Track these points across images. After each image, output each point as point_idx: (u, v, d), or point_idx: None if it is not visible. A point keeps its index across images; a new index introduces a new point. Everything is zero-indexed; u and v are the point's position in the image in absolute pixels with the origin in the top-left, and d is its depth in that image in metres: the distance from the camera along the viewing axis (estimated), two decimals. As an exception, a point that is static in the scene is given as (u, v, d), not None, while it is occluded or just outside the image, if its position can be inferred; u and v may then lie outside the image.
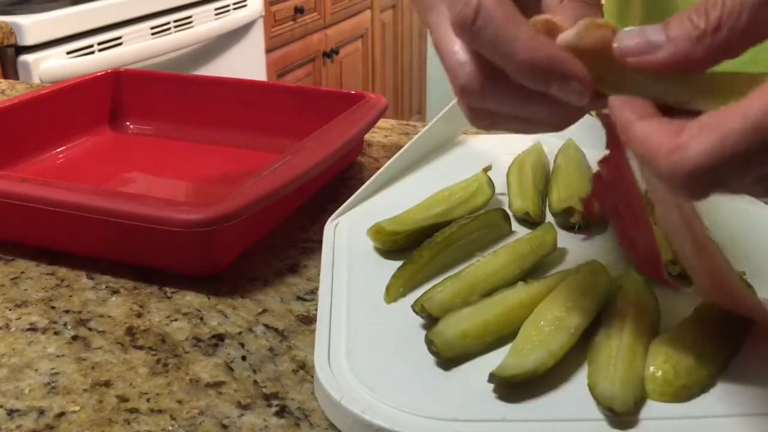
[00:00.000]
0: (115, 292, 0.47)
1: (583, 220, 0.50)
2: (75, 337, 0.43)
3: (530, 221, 0.52)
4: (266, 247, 0.52)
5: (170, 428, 0.36)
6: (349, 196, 0.54)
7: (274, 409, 0.37)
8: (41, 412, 0.37)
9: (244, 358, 0.41)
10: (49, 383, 0.39)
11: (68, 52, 1.49)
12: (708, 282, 0.39)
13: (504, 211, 0.51)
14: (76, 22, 1.50)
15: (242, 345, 0.42)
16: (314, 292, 0.47)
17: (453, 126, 0.67)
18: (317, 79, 2.53)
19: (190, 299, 0.46)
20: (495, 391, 0.36)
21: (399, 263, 0.45)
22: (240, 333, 0.43)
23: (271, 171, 0.50)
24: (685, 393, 0.35)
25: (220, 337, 0.43)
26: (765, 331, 0.39)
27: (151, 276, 0.48)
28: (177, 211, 0.45)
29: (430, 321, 0.40)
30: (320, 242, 0.50)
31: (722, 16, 0.28)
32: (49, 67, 1.44)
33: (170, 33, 1.73)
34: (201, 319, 0.44)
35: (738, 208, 0.53)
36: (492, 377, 0.35)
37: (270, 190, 0.48)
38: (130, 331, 0.43)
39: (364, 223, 0.50)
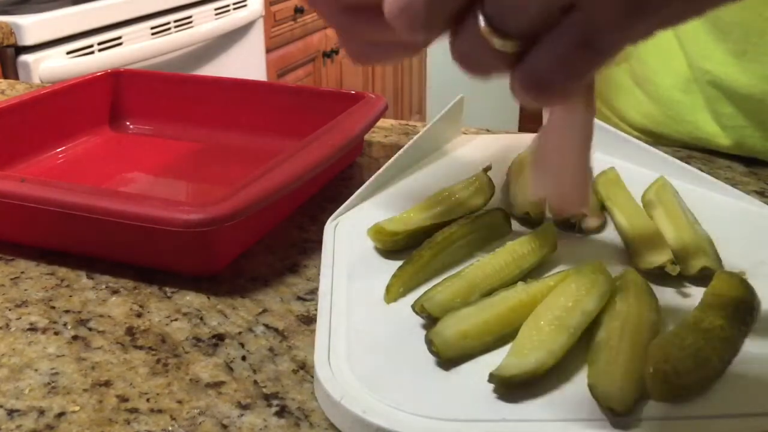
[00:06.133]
0: (115, 292, 0.47)
1: (583, 220, 0.50)
2: (75, 337, 0.43)
3: (530, 221, 0.52)
4: (266, 247, 0.52)
5: (170, 428, 0.36)
6: (349, 196, 0.54)
7: (274, 409, 0.37)
8: (41, 412, 0.37)
9: (244, 358, 0.41)
10: (49, 383, 0.39)
11: (68, 52, 1.49)
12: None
13: (504, 211, 0.51)
14: (76, 22, 1.50)
15: (242, 345, 0.42)
16: (314, 292, 0.47)
17: (453, 126, 0.67)
18: (317, 79, 2.53)
19: (190, 299, 0.46)
20: (495, 391, 0.36)
21: (399, 263, 0.45)
22: (240, 333, 0.43)
23: (271, 171, 0.50)
24: (685, 393, 0.35)
25: (220, 337, 0.43)
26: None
27: (151, 276, 0.48)
28: (177, 211, 0.45)
29: (430, 321, 0.40)
30: (320, 242, 0.50)
31: None
32: (49, 67, 1.44)
33: (170, 33, 1.73)
34: (201, 319, 0.44)
35: (738, 208, 0.53)
36: (492, 377, 0.35)
37: (270, 190, 0.48)
38: (130, 331, 0.43)
39: (364, 223, 0.50)
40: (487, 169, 0.55)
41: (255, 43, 2.08)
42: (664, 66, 0.70)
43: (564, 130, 0.35)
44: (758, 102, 0.64)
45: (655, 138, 0.73)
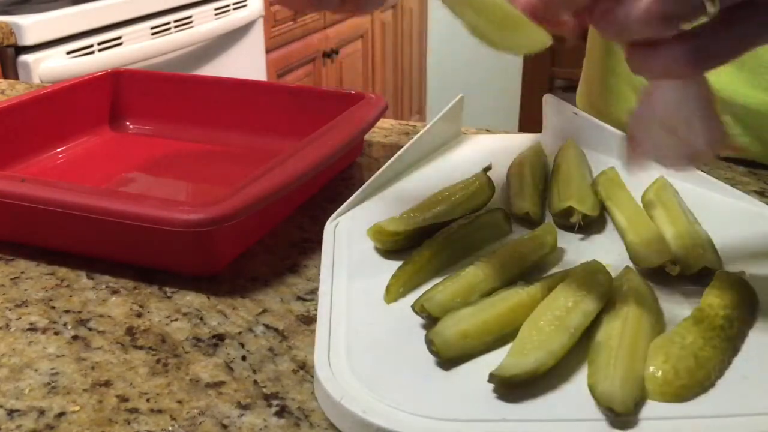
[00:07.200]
0: (115, 292, 0.47)
1: (583, 220, 0.50)
2: (75, 337, 0.43)
3: (530, 221, 0.52)
4: (266, 247, 0.52)
5: (170, 428, 0.36)
6: (349, 196, 0.54)
7: (274, 409, 0.37)
8: (41, 412, 0.37)
9: (244, 358, 0.41)
10: (49, 383, 0.39)
11: (68, 52, 1.49)
12: None
13: (504, 211, 0.51)
14: (76, 22, 1.50)
15: (242, 345, 0.42)
16: (314, 292, 0.47)
17: (453, 126, 0.67)
18: (317, 79, 2.53)
19: (190, 299, 0.46)
20: (495, 391, 0.36)
21: (399, 263, 0.45)
22: (240, 333, 0.43)
23: (271, 171, 0.50)
24: (685, 393, 0.35)
25: (220, 337, 0.43)
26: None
27: (151, 276, 0.48)
28: (177, 211, 0.45)
29: (430, 321, 0.40)
30: (320, 242, 0.50)
31: None
32: (49, 67, 1.44)
33: (170, 33, 1.73)
34: (201, 319, 0.44)
35: (738, 208, 0.53)
36: (492, 377, 0.35)
37: (270, 190, 0.48)
38: (130, 331, 0.43)
39: (364, 223, 0.50)
40: (487, 169, 0.55)
41: (255, 43, 2.08)
42: None
43: (682, 94, 0.38)
44: (756, 112, 0.64)
45: None
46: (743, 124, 0.65)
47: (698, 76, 0.37)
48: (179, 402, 0.38)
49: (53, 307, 0.46)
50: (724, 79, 0.64)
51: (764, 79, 0.62)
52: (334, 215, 0.52)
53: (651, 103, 0.38)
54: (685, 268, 0.44)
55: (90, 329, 0.43)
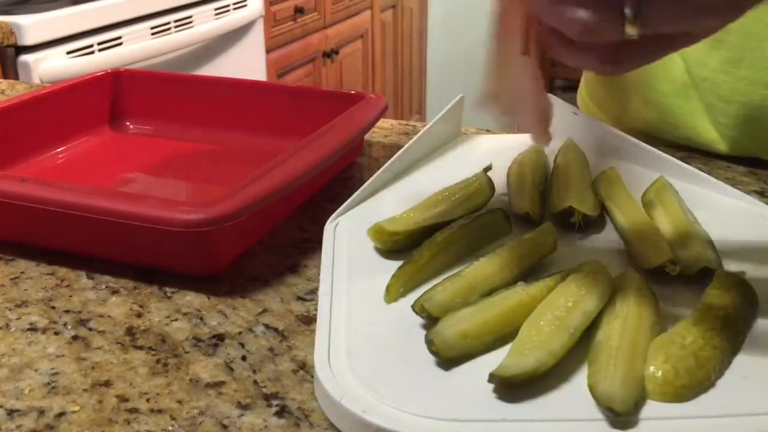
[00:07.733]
0: (115, 292, 0.47)
1: (583, 220, 0.50)
2: (75, 337, 0.43)
3: (530, 221, 0.52)
4: (266, 247, 0.52)
5: (170, 428, 0.36)
6: (349, 196, 0.54)
7: (274, 409, 0.37)
8: (41, 412, 0.37)
9: (244, 358, 0.41)
10: (49, 383, 0.39)
11: (68, 52, 1.49)
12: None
13: (504, 211, 0.51)
14: (76, 22, 1.50)
15: (242, 345, 0.42)
16: (314, 292, 0.47)
17: (453, 126, 0.67)
18: (317, 79, 2.53)
19: (190, 299, 0.46)
20: (495, 391, 0.36)
21: (399, 263, 0.45)
22: (240, 333, 0.43)
23: (271, 171, 0.50)
24: (685, 393, 0.35)
25: (220, 337, 0.43)
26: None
27: (151, 276, 0.48)
28: (177, 211, 0.45)
29: (430, 321, 0.40)
30: (320, 242, 0.50)
31: None
32: (49, 67, 1.44)
33: (170, 33, 1.73)
34: (201, 319, 0.44)
35: (738, 208, 0.53)
36: (492, 377, 0.35)
37: (270, 190, 0.48)
38: (130, 331, 0.43)
39: (364, 223, 0.50)
40: (487, 169, 0.55)
41: (255, 43, 2.08)
42: (662, 72, 0.69)
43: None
44: (756, 109, 0.64)
45: (654, 143, 0.73)
46: (743, 120, 0.65)
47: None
48: (179, 402, 0.38)
49: (53, 307, 0.46)
50: (723, 77, 0.64)
51: (765, 74, 0.62)
52: (334, 215, 0.52)
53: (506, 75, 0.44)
54: (685, 268, 0.44)
55: (90, 329, 0.43)
